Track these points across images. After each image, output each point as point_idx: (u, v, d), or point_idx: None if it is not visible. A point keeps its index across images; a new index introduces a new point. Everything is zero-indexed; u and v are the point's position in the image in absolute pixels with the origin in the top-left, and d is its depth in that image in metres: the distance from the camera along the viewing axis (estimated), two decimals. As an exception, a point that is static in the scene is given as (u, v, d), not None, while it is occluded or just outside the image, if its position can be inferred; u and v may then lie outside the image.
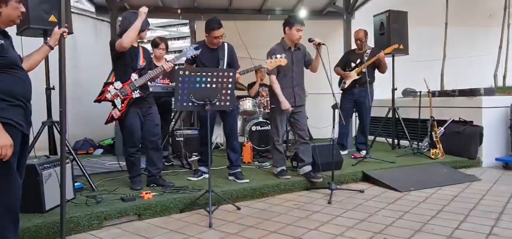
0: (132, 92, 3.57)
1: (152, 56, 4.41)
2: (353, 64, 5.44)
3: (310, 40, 3.98)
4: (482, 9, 8.64)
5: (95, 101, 3.65)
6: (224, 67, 3.98)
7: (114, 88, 3.58)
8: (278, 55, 3.96)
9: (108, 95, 3.58)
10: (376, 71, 5.45)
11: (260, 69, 6.18)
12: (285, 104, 4.01)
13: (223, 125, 4.13)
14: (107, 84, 3.63)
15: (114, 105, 3.58)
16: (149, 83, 3.73)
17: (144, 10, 3.50)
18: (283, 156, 4.28)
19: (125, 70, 3.59)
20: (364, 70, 5.02)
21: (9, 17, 2.17)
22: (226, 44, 4.10)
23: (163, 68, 3.63)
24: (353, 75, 5.35)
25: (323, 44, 3.94)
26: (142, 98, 3.61)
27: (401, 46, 5.70)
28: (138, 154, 3.72)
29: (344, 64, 5.54)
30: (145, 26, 3.59)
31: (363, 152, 5.22)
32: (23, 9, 2.23)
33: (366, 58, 5.24)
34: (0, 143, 1.97)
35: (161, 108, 4.47)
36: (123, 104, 3.56)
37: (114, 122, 3.64)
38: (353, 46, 5.78)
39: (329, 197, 3.65)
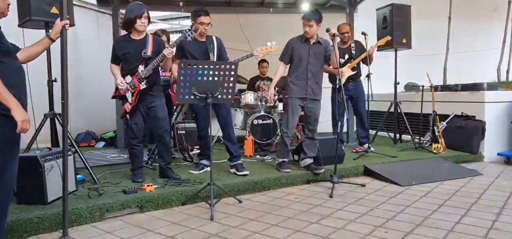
0: (140, 84, 3.56)
1: None
2: (342, 61, 5.33)
3: (327, 30, 3.97)
4: (486, 3, 8.58)
5: (112, 97, 3.75)
6: (214, 60, 3.97)
7: (125, 82, 3.59)
8: (269, 43, 3.99)
9: (121, 91, 3.62)
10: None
11: (262, 63, 6.22)
12: (270, 96, 4.36)
13: (217, 116, 4.11)
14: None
15: (126, 100, 3.60)
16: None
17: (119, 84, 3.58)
18: (288, 149, 4.29)
19: (132, 64, 3.59)
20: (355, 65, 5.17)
21: None
22: (214, 38, 4.08)
23: (164, 55, 3.55)
24: (347, 72, 5.22)
25: (337, 34, 3.96)
26: (148, 88, 3.58)
27: (404, 40, 5.68)
28: (140, 146, 3.71)
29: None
30: (137, 12, 3.53)
31: (366, 146, 5.18)
32: (10, 1, 2.25)
33: (353, 52, 5.27)
34: (22, 117, 1.99)
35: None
36: (132, 97, 3.58)
37: (127, 115, 3.62)
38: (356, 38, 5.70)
39: (331, 190, 3.65)
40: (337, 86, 5.27)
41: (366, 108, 5.38)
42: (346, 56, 5.36)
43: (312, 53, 4.12)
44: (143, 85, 3.56)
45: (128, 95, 3.58)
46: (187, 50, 3.94)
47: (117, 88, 3.66)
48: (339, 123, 5.05)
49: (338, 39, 3.96)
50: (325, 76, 5.38)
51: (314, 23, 4.02)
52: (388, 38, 5.36)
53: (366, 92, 5.22)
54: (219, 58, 4.02)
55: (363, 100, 5.39)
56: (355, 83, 5.38)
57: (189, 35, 3.61)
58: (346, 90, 5.28)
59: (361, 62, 5.32)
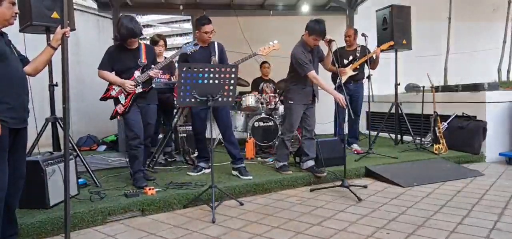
0: (135, 88, 3.63)
1: None
2: (345, 61, 5.46)
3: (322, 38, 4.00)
4: (486, 3, 8.59)
5: (101, 99, 3.72)
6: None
7: (119, 86, 3.64)
8: (271, 43, 4.02)
9: (113, 93, 3.67)
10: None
11: (264, 64, 6.22)
12: (341, 98, 3.89)
13: (216, 120, 4.10)
14: (111, 83, 3.70)
15: (118, 102, 3.65)
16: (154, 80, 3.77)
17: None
18: (288, 153, 4.29)
19: (127, 69, 3.65)
20: (358, 66, 5.28)
21: (3, 16, 2.22)
22: (216, 43, 4.12)
23: (149, 75, 3.64)
24: (349, 72, 5.38)
25: (333, 40, 3.96)
26: (144, 92, 3.66)
27: (404, 41, 5.68)
28: (141, 147, 3.70)
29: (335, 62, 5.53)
30: (138, 28, 3.64)
31: (355, 146, 5.38)
32: (17, 10, 2.27)
33: (358, 55, 5.39)
34: None
35: (164, 104, 4.49)
36: (126, 100, 3.64)
37: (118, 116, 3.69)
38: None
39: (355, 195, 3.51)
40: (337, 85, 5.33)
41: (361, 111, 5.55)
42: (350, 58, 5.46)
43: (314, 59, 4.17)
44: (139, 89, 3.64)
45: (121, 97, 3.64)
46: (191, 55, 3.97)
47: (107, 90, 3.71)
48: (342, 123, 5.08)
49: (334, 45, 3.97)
50: (328, 75, 5.40)
51: None
52: (391, 43, 5.42)
53: (366, 94, 5.24)
54: (221, 63, 4.03)
55: (360, 102, 5.53)
56: (356, 84, 5.48)
57: (190, 50, 3.73)
58: (346, 89, 5.30)
59: (365, 65, 5.39)
